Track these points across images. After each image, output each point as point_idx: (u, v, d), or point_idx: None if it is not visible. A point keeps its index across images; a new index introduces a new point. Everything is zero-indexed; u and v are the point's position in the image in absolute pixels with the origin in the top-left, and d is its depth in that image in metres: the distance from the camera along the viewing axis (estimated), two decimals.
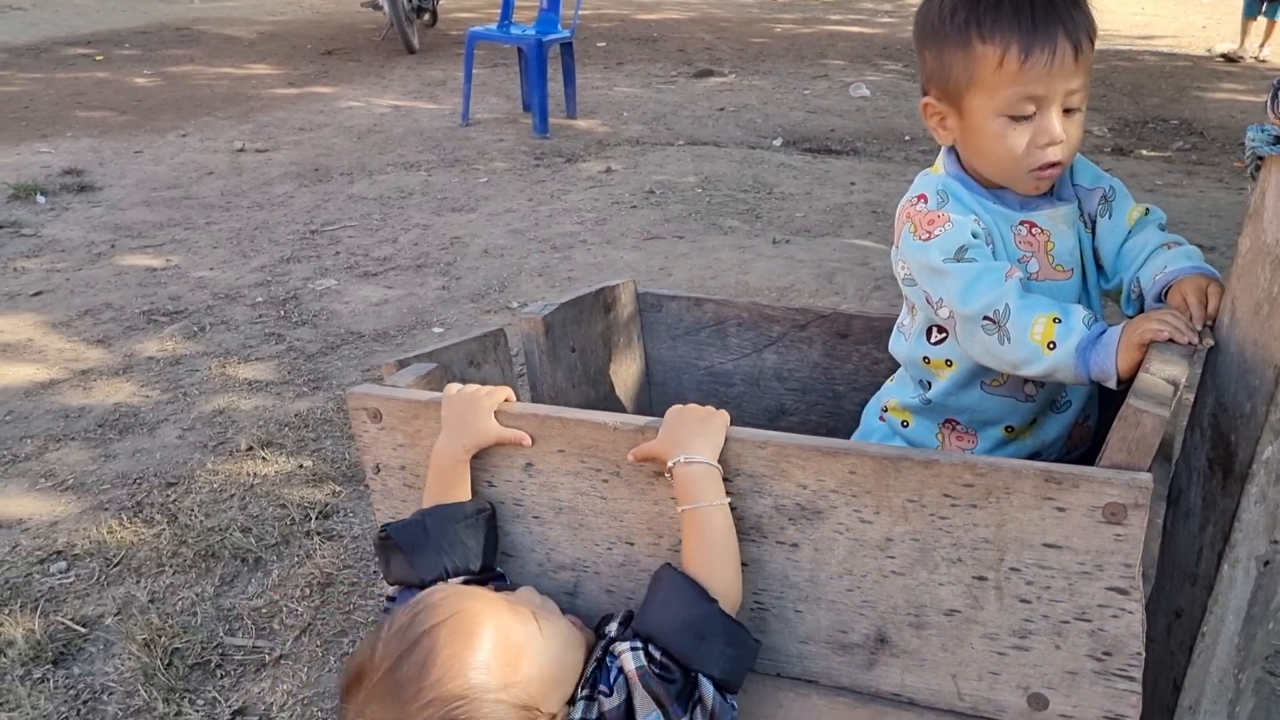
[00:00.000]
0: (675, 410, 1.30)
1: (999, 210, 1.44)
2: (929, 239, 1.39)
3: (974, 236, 1.39)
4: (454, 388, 1.41)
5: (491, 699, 1.10)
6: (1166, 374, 1.15)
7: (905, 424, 1.61)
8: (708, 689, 1.17)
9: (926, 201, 1.44)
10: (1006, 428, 1.52)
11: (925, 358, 1.53)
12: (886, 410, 1.64)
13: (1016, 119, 1.35)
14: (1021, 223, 1.44)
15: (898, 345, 1.60)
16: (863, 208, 5.07)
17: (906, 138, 6.58)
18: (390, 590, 1.37)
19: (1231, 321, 1.24)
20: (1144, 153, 6.22)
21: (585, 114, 7.26)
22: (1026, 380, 1.47)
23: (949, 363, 1.51)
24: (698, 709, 1.16)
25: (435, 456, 1.39)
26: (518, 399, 1.42)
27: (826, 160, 6.05)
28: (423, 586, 1.28)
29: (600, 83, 8.41)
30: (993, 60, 1.32)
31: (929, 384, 1.55)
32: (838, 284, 4.05)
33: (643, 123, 7.08)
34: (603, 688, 1.18)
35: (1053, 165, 1.38)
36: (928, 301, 1.41)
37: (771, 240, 4.62)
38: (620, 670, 1.18)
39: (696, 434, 1.25)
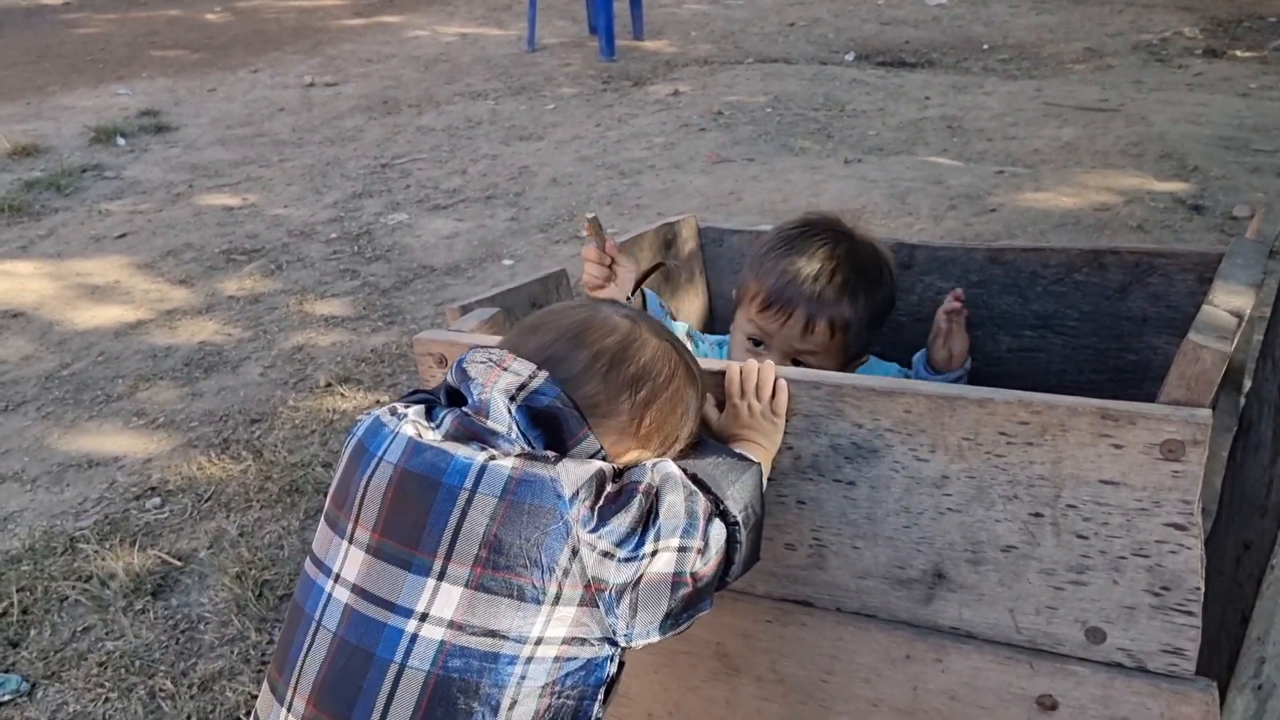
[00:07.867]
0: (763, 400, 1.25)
1: None
2: None
3: None
4: None
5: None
6: (1230, 305, 1.12)
7: None
8: (718, 528, 1.09)
9: None
10: None
11: None
12: None
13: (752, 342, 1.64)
14: None
15: None
16: (938, 123, 4.95)
17: (985, 47, 6.35)
18: None
19: None
20: (1238, 53, 5.92)
21: (652, 34, 7.16)
22: None
23: None
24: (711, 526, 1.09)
25: None
26: None
27: (900, 74, 5.89)
28: None
29: (667, 0, 8.27)
30: (751, 289, 1.64)
31: None
32: (911, 204, 3.98)
33: (711, 41, 6.96)
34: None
35: None
36: None
37: (844, 160, 4.54)
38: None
39: (773, 431, 1.24)
